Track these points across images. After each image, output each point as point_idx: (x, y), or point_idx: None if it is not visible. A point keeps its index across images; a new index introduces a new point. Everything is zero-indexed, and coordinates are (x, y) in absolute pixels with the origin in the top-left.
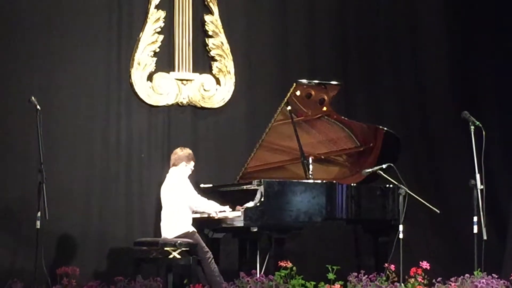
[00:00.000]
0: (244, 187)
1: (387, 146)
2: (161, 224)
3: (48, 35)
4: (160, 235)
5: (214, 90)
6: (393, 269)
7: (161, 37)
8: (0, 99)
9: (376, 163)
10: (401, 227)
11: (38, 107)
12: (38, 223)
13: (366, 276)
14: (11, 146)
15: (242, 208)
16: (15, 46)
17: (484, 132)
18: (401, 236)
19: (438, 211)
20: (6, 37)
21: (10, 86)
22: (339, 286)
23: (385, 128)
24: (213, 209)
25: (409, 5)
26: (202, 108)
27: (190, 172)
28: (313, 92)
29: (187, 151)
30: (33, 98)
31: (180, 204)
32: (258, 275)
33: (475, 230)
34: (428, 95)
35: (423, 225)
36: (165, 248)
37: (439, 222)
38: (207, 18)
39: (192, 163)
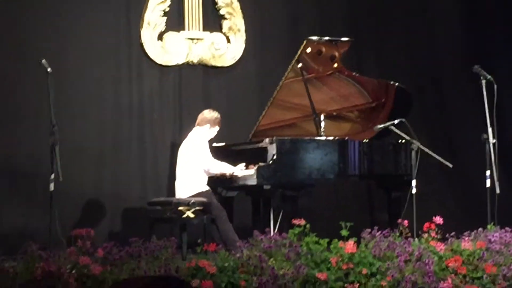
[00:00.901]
0: (257, 145)
1: (399, 101)
2: (176, 183)
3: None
4: (173, 195)
5: (225, 48)
6: (407, 224)
7: None
8: (11, 62)
9: (388, 118)
10: (413, 182)
11: (49, 69)
12: (51, 185)
13: (379, 232)
14: (23, 109)
15: (255, 167)
16: (25, 10)
17: (495, 86)
18: (414, 191)
19: (451, 166)
20: (16, 1)
21: (20, 49)
22: (352, 242)
23: (397, 84)
24: (227, 170)
25: None
26: (213, 67)
27: (212, 136)
28: (323, 49)
29: (215, 114)
30: (43, 60)
31: (196, 164)
32: (272, 233)
33: (488, 184)
34: (439, 49)
35: (436, 180)
36: (179, 208)
37: (451, 177)
38: None
39: (216, 128)
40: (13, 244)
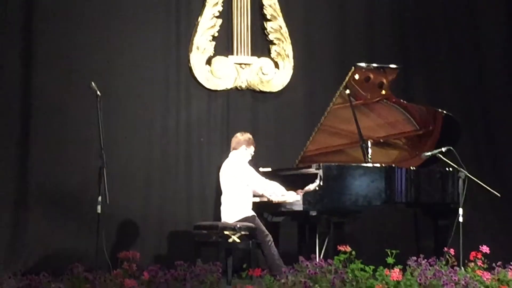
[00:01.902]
0: (303, 171)
1: (447, 129)
2: (221, 208)
3: (106, 20)
4: (220, 219)
5: (273, 73)
6: (453, 253)
7: (220, 21)
8: (60, 85)
9: (435, 146)
10: (460, 211)
11: (98, 92)
12: (99, 207)
13: (425, 260)
14: (72, 132)
15: (302, 192)
16: (75, 33)
17: None
18: (460, 219)
19: (499, 195)
20: (66, 24)
21: (70, 72)
22: (398, 270)
23: (444, 111)
24: (278, 191)
25: None
26: (261, 92)
27: (250, 157)
28: (371, 76)
29: (248, 135)
30: (93, 84)
31: (240, 188)
32: (317, 259)
33: None
34: (487, 77)
35: (483, 208)
36: (225, 232)
37: (499, 206)
38: (266, 1)
39: (252, 148)
40: (60, 265)
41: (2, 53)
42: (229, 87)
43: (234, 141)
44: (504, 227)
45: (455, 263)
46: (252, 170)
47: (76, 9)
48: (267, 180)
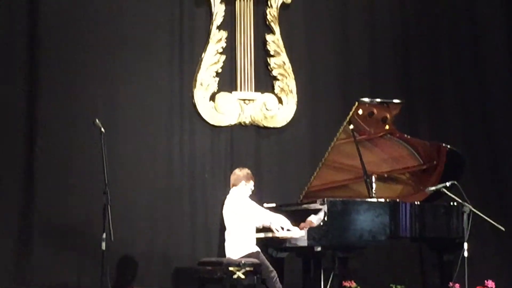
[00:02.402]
0: (308, 206)
1: (451, 163)
2: (226, 244)
3: (110, 56)
4: (224, 255)
5: (277, 109)
6: (458, 287)
7: (223, 57)
8: (64, 121)
9: (440, 180)
10: (465, 245)
11: (102, 129)
12: (103, 244)
13: None
14: (77, 167)
15: (306, 223)
16: (78, 68)
17: None
18: (466, 254)
19: (503, 229)
20: (70, 60)
21: (74, 107)
22: None
23: (448, 146)
24: (284, 222)
25: (471, 19)
26: (265, 127)
27: (250, 192)
28: (375, 111)
29: (246, 170)
30: (97, 120)
31: (244, 224)
32: None
33: None
34: (492, 110)
35: (488, 242)
36: (230, 268)
37: (504, 240)
38: (269, 37)
39: (251, 182)
40: None
41: (6, 88)
42: (233, 123)
43: (233, 178)
44: (509, 261)
45: None
46: (254, 203)
47: (80, 44)
48: (272, 212)
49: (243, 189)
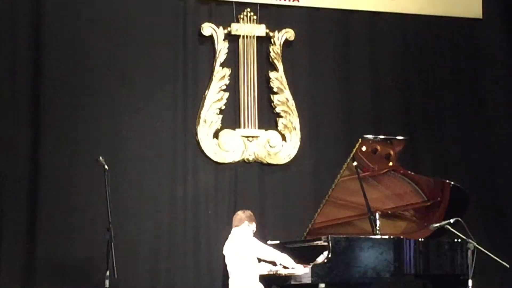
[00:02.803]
0: (312, 243)
1: (455, 200)
2: (229, 281)
3: (114, 94)
4: None
5: (280, 146)
6: None
7: (227, 94)
8: (67, 158)
9: (444, 217)
10: (470, 282)
11: (106, 167)
12: (107, 282)
13: None
14: (80, 204)
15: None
16: (81, 105)
17: None
18: None
19: (508, 266)
20: (73, 98)
21: (77, 144)
22: None
23: (452, 183)
24: (287, 261)
25: (472, 57)
26: (268, 164)
27: (252, 234)
28: (379, 147)
29: (249, 212)
30: (101, 158)
31: (247, 262)
32: None
33: None
34: (495, 146)
35: (493, 279)
36: None
37: (509, 276)
38: (272, 74)
39: (254, 224)
40: None
41: (10, 125)
42: (236, 160)
43: (236, 219)
44: None
45: None
46: (257, 240)
47: (84, 80)
48: (275, 250)
49: (246, 229)
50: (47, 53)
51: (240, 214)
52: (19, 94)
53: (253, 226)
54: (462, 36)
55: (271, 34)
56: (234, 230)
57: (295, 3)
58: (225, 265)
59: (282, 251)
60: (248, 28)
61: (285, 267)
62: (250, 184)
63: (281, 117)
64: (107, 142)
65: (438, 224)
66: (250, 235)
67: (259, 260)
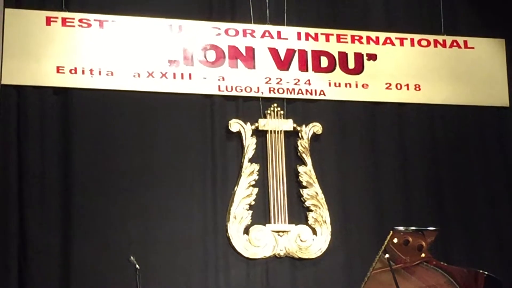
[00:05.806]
0: None
1: None
2: None
3: (142, 191)
4: None
5: (311, 240)
6: None
7: (256, 190)
8: (99, 257)
9: None
10: None
11: (137, 266)
12: None
13: None
14: None
15: None
16: (110, 205)
17: None
18: None
19: None
20: (101, 197)
21: (107, 245)
22: None
23: (486, 272)
24: None
25: (501, 145)
26: (300, 259)
27: None
28: (410, 239)
29: None
30: (132, 257)
31: None
32: None
33: None
34: None
35: None
36: None
37: None
38: (301, 169)
39: None
40: None
41: (41, 226)
42: (267, 255)
43: None
44: None
45: None
46: None
47: (112, 181)
48: None
49: None
50: (77, 155)
51: None
52: (48, 194)
53: None
54: (489, 124)
55: (298, 128)
56: None
57: (322, 97)
58: None
59: None
60: (276, 123)
61: None
62: (282, 279)
63: (311, 211)
64: (137, 240)
65: None
66: None
67: None
